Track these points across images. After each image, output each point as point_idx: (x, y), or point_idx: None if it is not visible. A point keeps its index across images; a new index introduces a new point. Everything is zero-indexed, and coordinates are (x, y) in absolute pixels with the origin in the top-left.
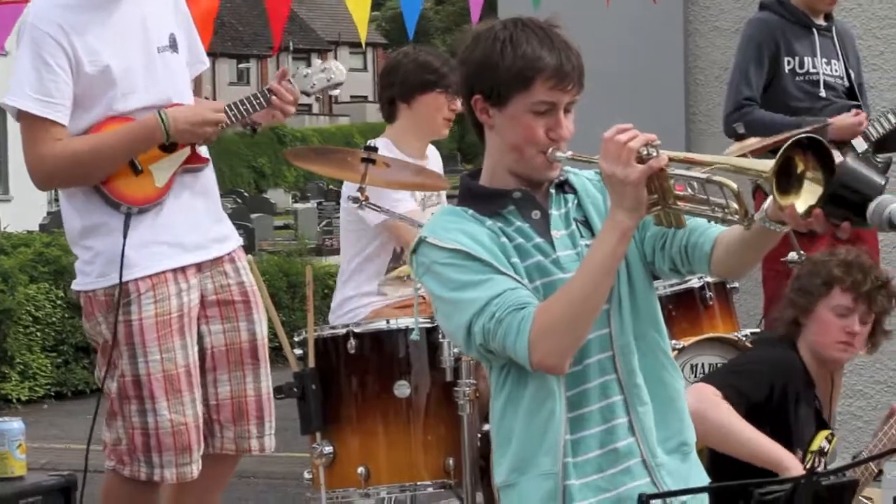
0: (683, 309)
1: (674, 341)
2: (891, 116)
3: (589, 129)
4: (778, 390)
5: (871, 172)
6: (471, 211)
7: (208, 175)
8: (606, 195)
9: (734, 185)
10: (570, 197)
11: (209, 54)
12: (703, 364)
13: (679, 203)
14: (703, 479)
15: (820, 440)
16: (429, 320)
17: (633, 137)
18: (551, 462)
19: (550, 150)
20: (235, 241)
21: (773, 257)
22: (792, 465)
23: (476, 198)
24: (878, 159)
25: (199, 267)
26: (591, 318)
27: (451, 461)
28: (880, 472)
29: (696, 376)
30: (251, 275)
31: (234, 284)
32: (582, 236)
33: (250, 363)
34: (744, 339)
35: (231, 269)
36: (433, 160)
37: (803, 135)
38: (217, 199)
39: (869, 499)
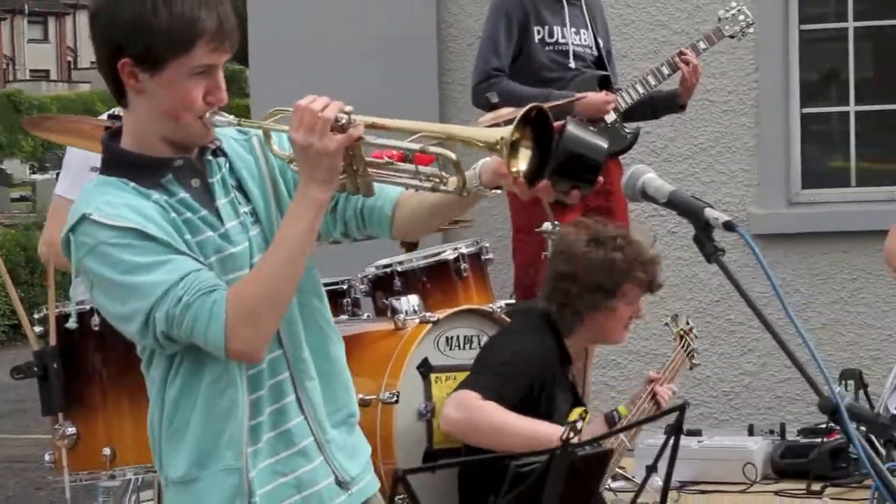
0: (438, 281)
1: (428, 314)
2: (639, 87)
3: (342, 98)
4: (538, 384)
5: (593, 137)
6: (132, 184)
7: None
8: (257, 157)
9: (453, 156)
10: (223, 161)
11: (8, 10)
12: (458, 336)
13: (370, 170)
14: (367, 448)
15: (574, 416)
16: None
17: (327, 105)
18: (234, 455)
19: (208, 114)
20: None
21: (524, 227)
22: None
23: (131, 167)
24: (627, 130)
25: None
26: (290, 299)
27: None
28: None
29: (451, 349)
30: None
31: None
32: (240, 203)
33: None
34: (499, 310)
35: None
36: None
37: (533, 108)
38: None
39: (622, 468)
